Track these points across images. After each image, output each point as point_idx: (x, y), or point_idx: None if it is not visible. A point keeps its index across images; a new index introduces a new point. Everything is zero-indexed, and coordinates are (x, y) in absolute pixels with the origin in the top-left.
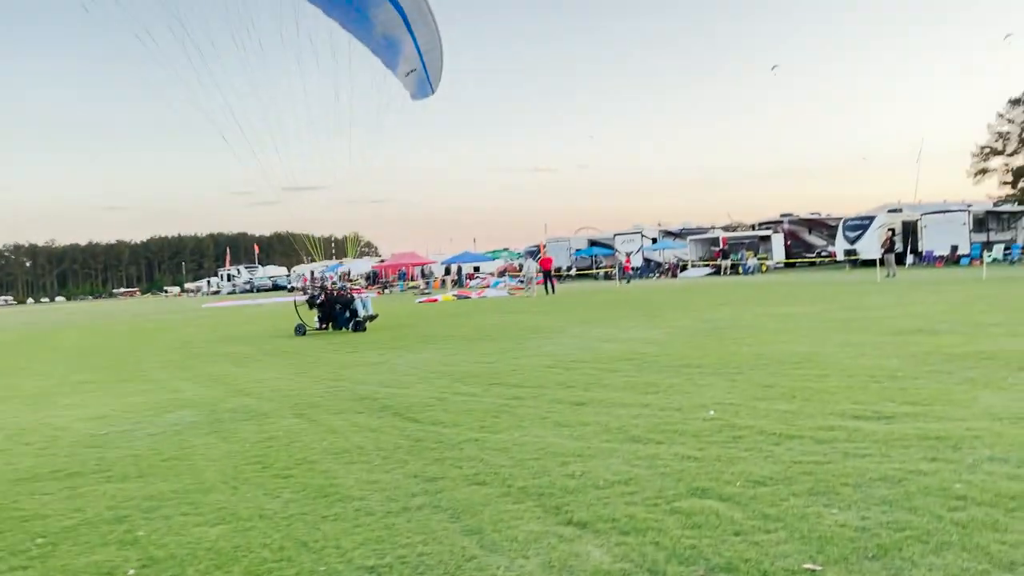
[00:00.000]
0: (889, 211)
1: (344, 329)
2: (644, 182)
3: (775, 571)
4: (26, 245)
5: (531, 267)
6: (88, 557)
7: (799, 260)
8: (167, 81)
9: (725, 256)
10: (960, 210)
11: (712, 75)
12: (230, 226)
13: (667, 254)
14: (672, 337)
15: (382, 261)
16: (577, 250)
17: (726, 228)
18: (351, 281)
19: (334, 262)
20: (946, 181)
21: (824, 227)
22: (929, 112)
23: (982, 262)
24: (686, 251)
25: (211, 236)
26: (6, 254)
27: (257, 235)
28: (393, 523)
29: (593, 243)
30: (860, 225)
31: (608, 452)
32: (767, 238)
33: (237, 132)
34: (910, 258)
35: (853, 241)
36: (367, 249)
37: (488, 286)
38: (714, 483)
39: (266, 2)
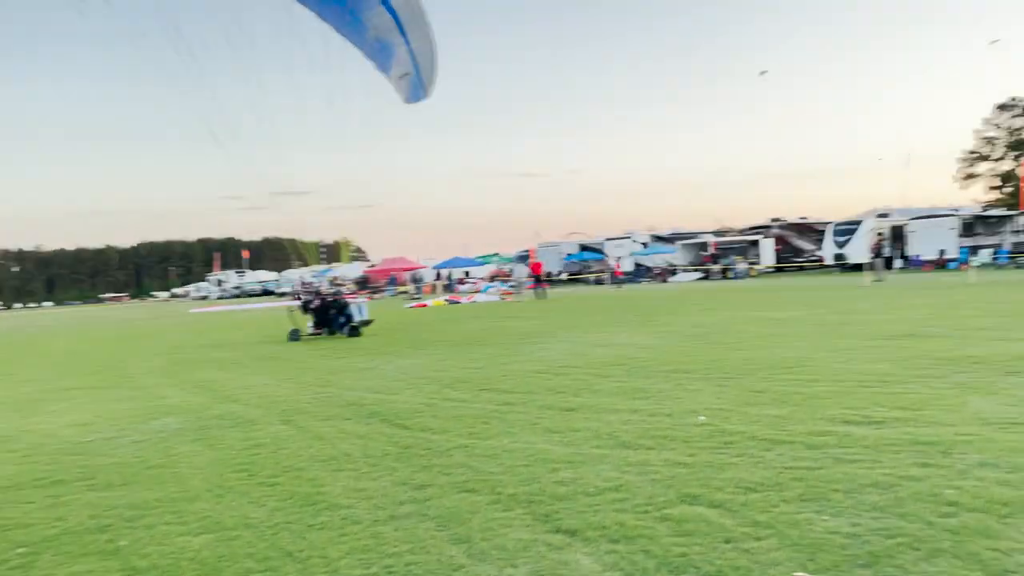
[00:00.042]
0: (877, 216)
1: (339, 334)
2: (635, 187)
3: None
4: (13, 250)
5: (521, 272)
6: (69, 567)
7: (788, 265)
8: (159, 84)
9: (715, 261)
10: (948, 215)
11: (703, 80)
12: (219, 231)
13: (657, 259)
14: (662, 342)
15: (372, 266)
16: (568, 255)
17: (716, 233)
18: (340, 286)
19: (324, 267)
20: (934, 186)
21: (813, 232)
22: (917, 117)
23: (969, 266)
24: (676, 256)
25: (200, 241)
26: None
27: (246, 240)
28: (380, 532)
29: (584, 248)
30: (849, 230)
31: (598, 458)
32: (756, 243)
33: (229, 135)
34: (898, 262)
35: (842, 245)
36: (358, 254)
37: (479, 291)
38: (704, 489)
39: (259, 5)
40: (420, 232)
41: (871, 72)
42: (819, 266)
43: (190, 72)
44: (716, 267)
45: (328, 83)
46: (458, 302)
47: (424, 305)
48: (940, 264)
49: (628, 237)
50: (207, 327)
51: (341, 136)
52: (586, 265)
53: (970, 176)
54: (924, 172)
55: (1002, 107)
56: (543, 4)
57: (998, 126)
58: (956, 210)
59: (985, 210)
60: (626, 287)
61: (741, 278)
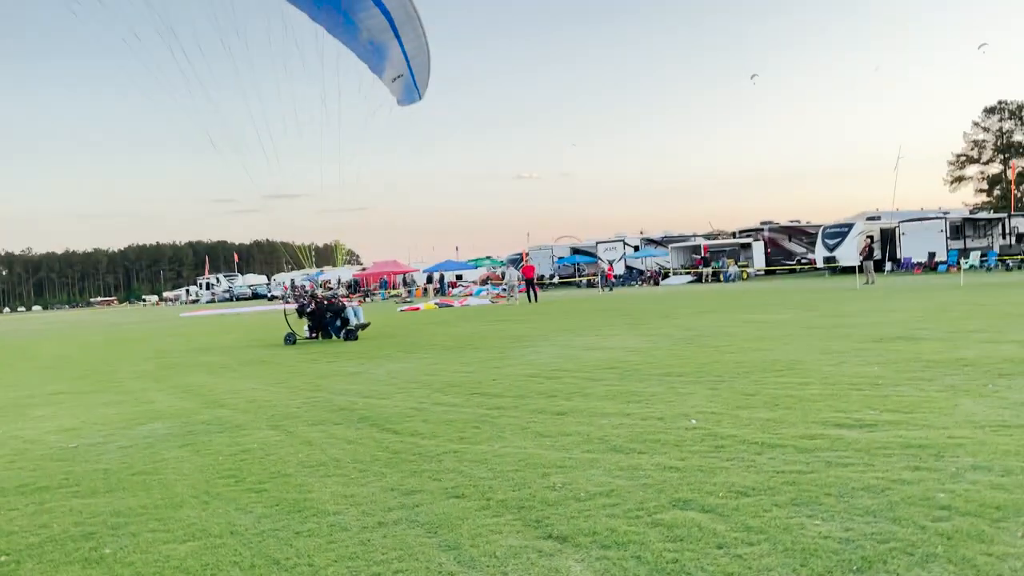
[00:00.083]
0: (868, 218)
1: (336, 338)
2: (626, 190)
3: None
4: (2, 253)
5: (512, 275)
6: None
7: (779, 267)
8: (152, 86)
9: (706, 264)
10: (937, 217)
11: (694, 84)
12: (209, 234)
13: (649, 262)
14: (654, 345)
15: (364, 269)
16: (560, 258)
17: (707, 236)
18: (330, 290)
19: (315, 270)
20: (923, 188)
21: (804, 235)
22: (906, 120)
23: (959, 269)
24: (668, 259)
25: (190, 244)
26: None
27: (237, 243)
28: (368, 539)
29: (576, 251)
30: (839, 232)
31: (589, 463)
32: (748, 246)
33: (222, 138)
34: (888, 265)
35: (832, 248)
36: (349, 257)
37: (471, 294)
38: (696, 494)
39: (252, 8)
40: (411, 235)
41: (862, 76)
42: (810, 269)
43: (182, 75)
44: (707, 270)
45: (322, 85)
46: (450, 305)
47: (416, 308)
48: (930, 267)
49: (620, 240)
50: (197, 331)
51: (334, 138)
52: (578, 268)
53: (959, 179)
54: (914, 175)
55: (990, 110)
56: (537, 8)
57: (987, 129)
58: (946, 213)
59: (974, 212)
60: (618, 290)
61: (732, 281)
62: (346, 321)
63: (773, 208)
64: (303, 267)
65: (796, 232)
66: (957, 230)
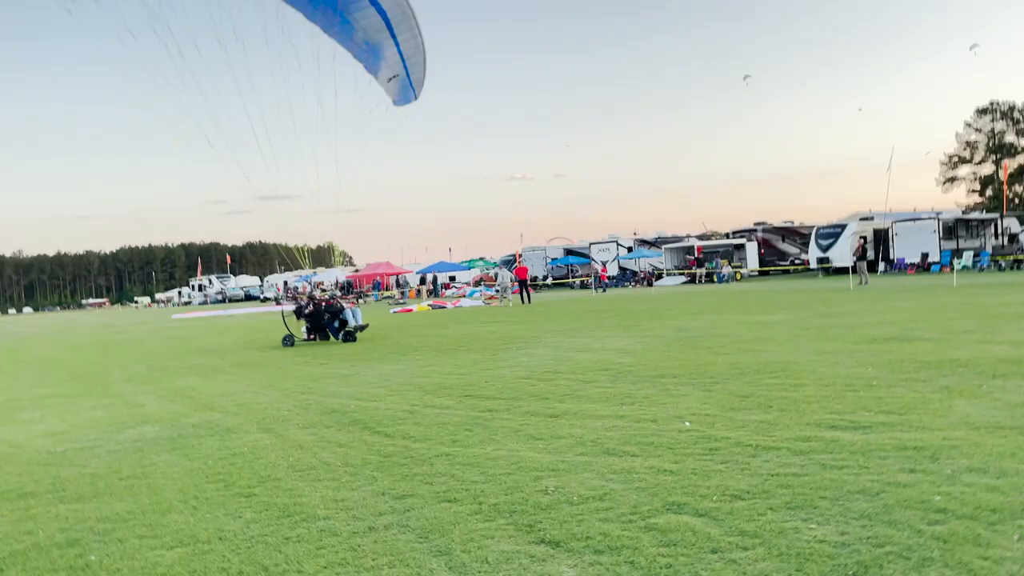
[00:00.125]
0: (861, 219)
1: (334, 340)
2: (619, 191)
3: None
4: None
5: (505, 276)
6: None
7: (773, 268)
8: (146, 86)
9: (700, 265)
10: (930, 218)
11: (689, 85)
12: (202, 236)
13: (642, 263)
14: (647, 347)
15: (356, 271)
16: (553, 259)
17: (700, 237)
18: (327, 291)
19: (308, 272)
20: (916, 189)
21: (797, 235)
22: (899, 121)
23: (952, 269)
24: (661, 260)
25: (182, 246)
26: None
27: (229, 245)
28: (359, 544)
29: (569, 252)
30: (832, 233)
31: (582, 466)
32: (741, 246)
33: (216, 138)
34: (882, 265)
35: (826, 249)
36: (342, 258)
37: (464, 296)
38: (690, 498)
39: (248, 9)
40: (405, 236)
41: (854, 76)
42: (804, 269)
43: (177, 75)
44: (701, 271)
45: (318, 86)
46: (443, 307)
47: (409, 310)
48: (923, 267)
49: (613, 241)
50: (188, 333)
51: (328, 139)
52: (571, 269)
53: (951, 179)
54: (907, 175)
55: (982, 111)
56: (531, 10)
57: (979, 130)
58: (938, 213)
59: (966, 213)
60: (611, 291)
61: (726, 282)
62: (344, 323)
63: (767, 209)
64: (301, 268)
65: (789, 233)
66: (950, 230)
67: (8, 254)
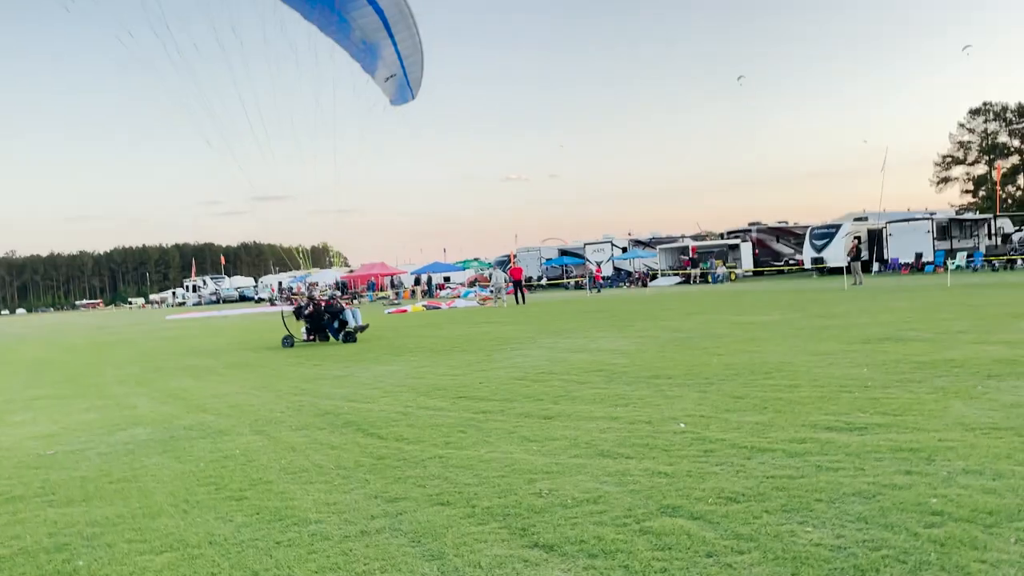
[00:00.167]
0: (855, 219)
1: (334, 340)
2: (614, 192)
3: None
4: None
5: (499, 277)
6: None
7: (767, 268)
8: (144, 85)
9: (694, 265)
10: (924, 218)
11: (683, 86)
12: (196, 237)
13: (637, 263)
14: (642, 347)
15: (351, 271)
16: (548, 260)
17: (695, 237)
18: (326, 292)
19: (302, 272)
20: (910, 189)
21: (792, 235)
22: (893, 121)
23: (946, 269)
24: (656, 260)
25: (176, 247)
26: None
27: (224, 246)
28: (350, 548)
29: (564, 253)
30: (827, 233)
31: (576, 468)
32: (736, 247)
33: (213, 137)
34: (876, 266)
35: (820, 249)
36: (338, 259)
37: (458, 296)
38: (685, 500)
39: (246, 8)
40: (399, 237)
41: (849, 77)
42: (798, 269)
43: (175, 74)
44: (696, 271)
45: (315, 85)
46: (438, 307)
47: (403, 311)
48: (917, 267)
49: (608, 242)
50: (182, 334)
51: (325, 140)
52: (566, 270)
53: (945, 180)
54: (901, 176)
55: (975, 112)
56: (527, 11)
57: (972, 130)
58: (932, 214)
59: (960, 213)
60: (606, 291)
61: (720, 282)
62: (344, 323)
63: (761, 209)
64: (299, 269)
65: (784, 233)
66: (944, 231)
67: (1, 255)
